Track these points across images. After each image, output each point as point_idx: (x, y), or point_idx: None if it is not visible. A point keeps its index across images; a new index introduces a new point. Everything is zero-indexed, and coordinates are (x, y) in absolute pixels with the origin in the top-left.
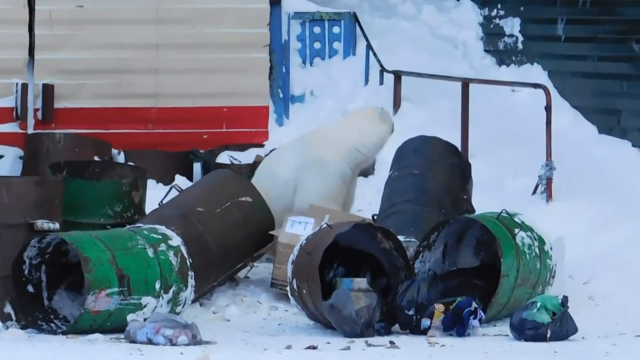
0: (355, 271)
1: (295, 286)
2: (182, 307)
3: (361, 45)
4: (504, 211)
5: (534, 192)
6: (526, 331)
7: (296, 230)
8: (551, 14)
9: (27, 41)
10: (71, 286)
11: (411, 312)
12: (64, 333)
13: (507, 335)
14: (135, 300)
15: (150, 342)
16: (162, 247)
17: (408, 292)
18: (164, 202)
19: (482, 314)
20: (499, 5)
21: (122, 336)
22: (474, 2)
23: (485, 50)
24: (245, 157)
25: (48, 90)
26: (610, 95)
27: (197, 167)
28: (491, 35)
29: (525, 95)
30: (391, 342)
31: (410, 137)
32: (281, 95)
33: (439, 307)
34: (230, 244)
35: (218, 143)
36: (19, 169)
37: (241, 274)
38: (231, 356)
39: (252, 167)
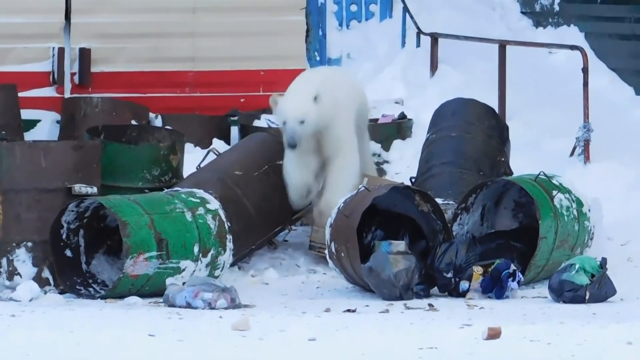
0: (393, 234)
1: (333, 249)
2: (221, 270)
3: (398, 7)
4: (541, 173)
5: (572, 154)
6: (565, 293)
7: None
8: None
9: (64, 5)
10: (109, 250)
11: (450, 275)
12: (103, 297)
13: (546, 298)
14: (174, 264)
15: (189, 306)
16: (201, 210)
17: (446, 255)
18: (201, 165)
19: (521, 276)
20: None
21: (161, 300)
22: None
23: (522, 12)
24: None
25: (85, 54)
26: None
27: (234, 130)
28: None
29: (562, 57)
30: (430, 305)
31: (448, 99)
32: (318, 58)
33: (478, 270)
34: (268, 207)
35: (255, 106)
36: (57, 133)
37: (279, 237)
38: (270, 319)
39: None
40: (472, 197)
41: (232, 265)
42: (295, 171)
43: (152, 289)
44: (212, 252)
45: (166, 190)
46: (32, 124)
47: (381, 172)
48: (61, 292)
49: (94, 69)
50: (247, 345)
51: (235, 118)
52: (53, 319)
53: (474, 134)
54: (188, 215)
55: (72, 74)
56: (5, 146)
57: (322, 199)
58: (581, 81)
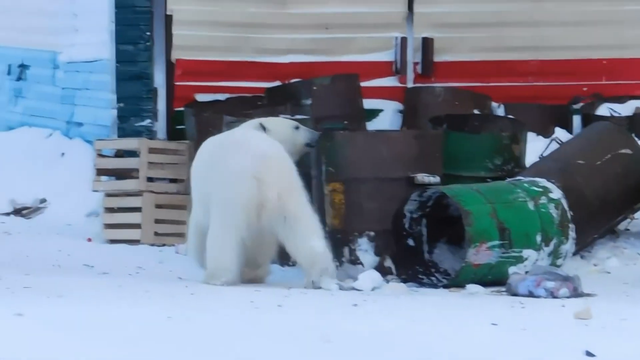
0: None
1: None
2: (563, 259)
3: None
4: None
5: None
6: None
7: None
8: None
9: None
10: (451, 240)
11: None
12: (445, 286)
13: None
14: (516, 253)
15: (531, 294)
16: (543, 199)
17: None
18: (544, 154)
19: None
20: None
21: (503, 289)
22: None
23: None
24: (625, 109)
25: (428, 44)
26: None
27: (576, 120)
28: None
29: None
30: None
31: None
32: None
33: None
34: (609, 196)
35: (597, 95)
36: (398, 123)
37: (621, 226)
38: (611, 308)
39: (632, 120)
40: None
41: (574, 254)
42: None
43: (494, 278)
44: (554, 241)
45: (508, 179)
46: (374, 113)
47: None
48: (403, 281)
49: (437, 58)
50: (588, 334)
51: (578, 106)
52: (395, 307)
53: None
54: (530, 204)
55: (415, 64)
56: (348, 135)
57: None
58: None
